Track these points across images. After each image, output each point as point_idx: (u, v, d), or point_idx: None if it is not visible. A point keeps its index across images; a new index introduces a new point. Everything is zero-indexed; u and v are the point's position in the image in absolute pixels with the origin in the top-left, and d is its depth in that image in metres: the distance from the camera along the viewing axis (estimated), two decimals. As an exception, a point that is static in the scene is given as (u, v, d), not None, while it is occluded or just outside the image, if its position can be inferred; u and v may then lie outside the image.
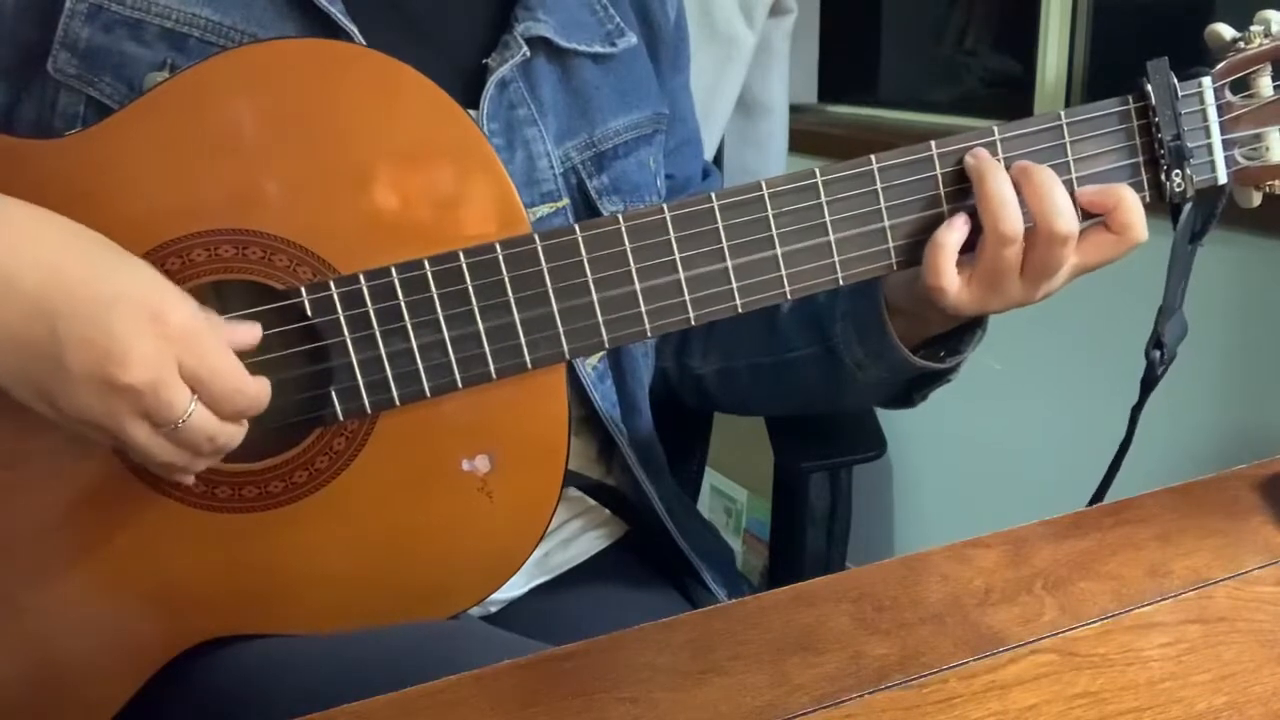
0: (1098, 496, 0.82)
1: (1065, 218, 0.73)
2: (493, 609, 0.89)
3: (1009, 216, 0.73)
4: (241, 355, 0.69)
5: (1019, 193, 0.74)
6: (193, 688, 0.76)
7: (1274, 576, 0.67)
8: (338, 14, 0.77)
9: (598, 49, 0.87)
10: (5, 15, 0.75)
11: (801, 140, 1.80)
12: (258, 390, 0.68)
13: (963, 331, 0.84)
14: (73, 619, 0.75)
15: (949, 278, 0.75)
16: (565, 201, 0.85)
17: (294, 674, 0.73)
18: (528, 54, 0.82)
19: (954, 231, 0.75)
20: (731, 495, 2.41)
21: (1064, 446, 1.72)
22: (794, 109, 1.73)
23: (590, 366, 0.88)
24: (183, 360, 0.65)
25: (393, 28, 0.79)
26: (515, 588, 0.90)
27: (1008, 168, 0.75)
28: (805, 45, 2.39)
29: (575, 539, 0.95)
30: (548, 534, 0.91)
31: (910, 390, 0.89)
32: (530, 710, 0.57)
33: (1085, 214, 0.76)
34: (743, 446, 1.56)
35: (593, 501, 0.95)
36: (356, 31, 0.77)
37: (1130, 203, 0.75)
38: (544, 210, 0.83)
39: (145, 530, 0.73)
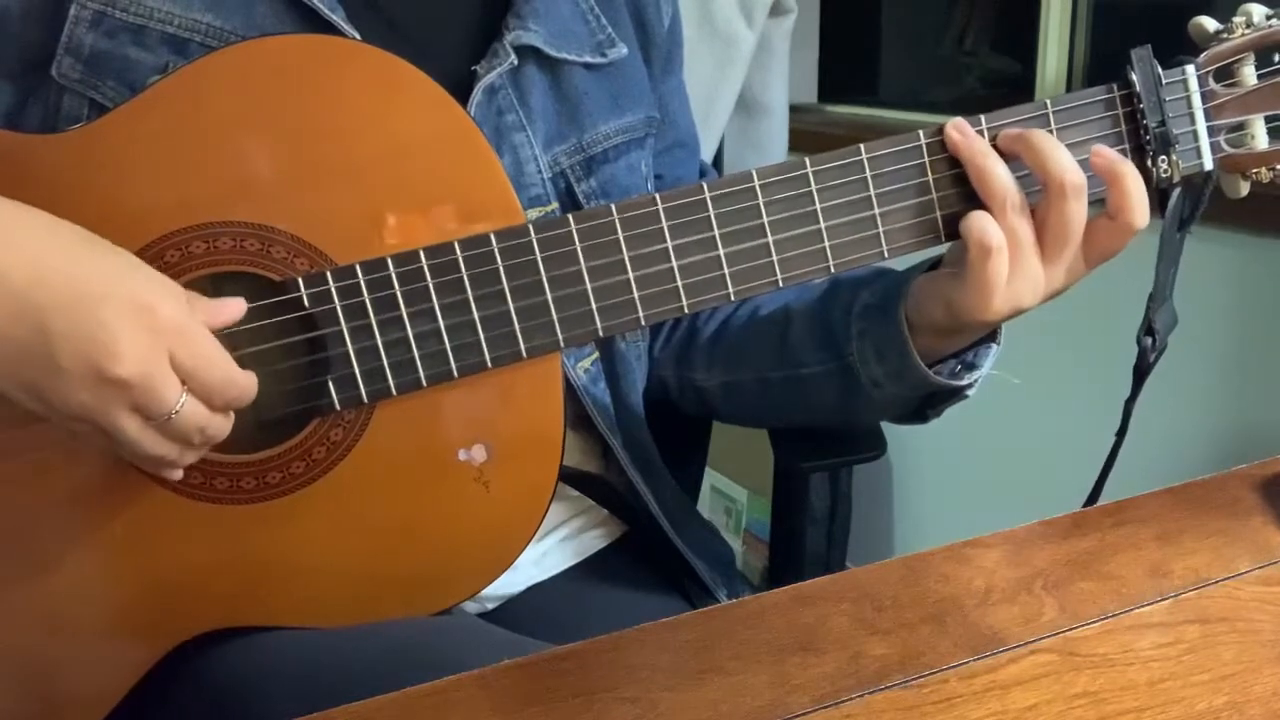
0: (1095, 490, 0.82)
1: (1071, 170, 0.73)
2: (490, 606, 0.89)
3: (1000, 186, 0.74)
4: (239, 345, 0.69)
5: (1019, 159, 0.75)
6: (189, 682, 0.76)
7: (1274, 577, 0.67)
8: (339, 20, 0.77)
9: (588, 59, 0.88)
10: (10, 20, 0.75)
11: (801, 140, 1.80)
12: (247, 381, 0.69)
13: (976, 346, 0.84)
14: (67, 612, 0.74)
15: (995, 236, 0.74)
16: (554, 205, 0.85)
17: (290, 668, 0.73)
18: (515, 62, 0.82)
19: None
20: (731, 495, 2.41)
21: (1063, 446, 1.72)
22: (794, 109, 1.73)
23: (583, 369, 0.88)
24: (174, 352, 0.65)
25: (384, 36, 0.79)
26: (513, 586, 0.90)
27: (996, 147, 0.75)
28: (805, 45, 2.39)
29: (574, 538, 0.94)
30: (546, 533, 0.91)
31: (924, 407, 0.89)
32: (530, 710, 0.56)
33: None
34: (743, 446, 1.55)
35: (591, 501, 0.95)
36: (358, 36, 0.77)
37: (1133, 175, 0.75)
38: (533, 214, 0.83)
39: (142, 521, 0.73)
